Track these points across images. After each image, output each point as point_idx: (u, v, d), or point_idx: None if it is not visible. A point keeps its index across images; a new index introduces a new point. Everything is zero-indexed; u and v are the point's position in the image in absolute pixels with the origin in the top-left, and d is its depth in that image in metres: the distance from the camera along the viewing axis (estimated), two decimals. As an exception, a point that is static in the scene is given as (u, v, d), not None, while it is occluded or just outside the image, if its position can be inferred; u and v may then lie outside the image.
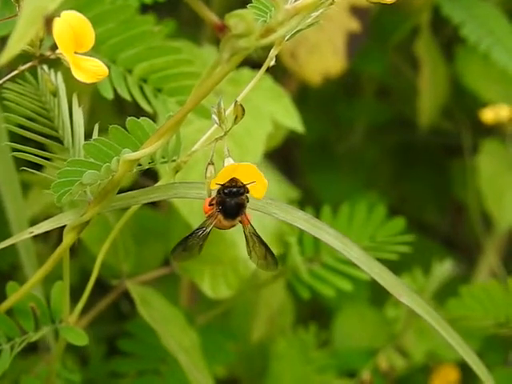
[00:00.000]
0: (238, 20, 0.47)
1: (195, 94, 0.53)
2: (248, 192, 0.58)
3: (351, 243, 0.63)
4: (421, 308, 0.65)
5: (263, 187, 0.58)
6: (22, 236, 0.64)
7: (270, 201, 0.62)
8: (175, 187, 0.62)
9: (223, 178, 0.57)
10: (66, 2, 0.65)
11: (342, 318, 1.17)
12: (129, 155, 0.56)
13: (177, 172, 0.62)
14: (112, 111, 1.12)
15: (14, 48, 0.43)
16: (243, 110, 0.58)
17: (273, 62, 0.60)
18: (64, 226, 0.64)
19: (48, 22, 0.43)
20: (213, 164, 0.59)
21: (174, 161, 0.61)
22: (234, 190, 0.58)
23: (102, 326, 1.10)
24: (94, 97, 0.93)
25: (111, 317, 1.16)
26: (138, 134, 0.58)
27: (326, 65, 1.14)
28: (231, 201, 0.58)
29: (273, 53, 0.60)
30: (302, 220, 0.62)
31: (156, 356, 0.94)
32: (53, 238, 1.08)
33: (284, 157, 1.29)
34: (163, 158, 0.61)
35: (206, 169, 0.59)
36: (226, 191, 0.58)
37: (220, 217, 0.59)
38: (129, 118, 0.58)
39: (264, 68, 0.61)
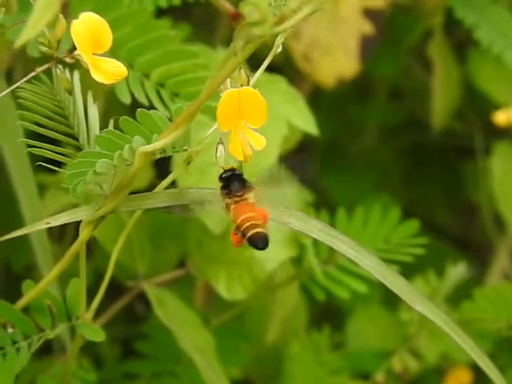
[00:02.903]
0: (252, 8, 0.47)
1: (210, 84, 0.54)
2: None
3: (365, 252, 0.63)
4: (435, 315, 0.65)
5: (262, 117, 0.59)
6: (38, 226, 0.64)
7: (284, 209, 0.63)
8: (191, 193, 0.63)
9: (225, 107, 0.56)
10: (84, 5, 0.66)
11: (356, 320, 1.17)
12: (145, 147, 0.57)
13: (189, 163, 0.62)
14: (126, 113, 1.12)
15: (30, 32, 0.44)
16: (248, 77, 0.58)
17: (279, 49, 0.61)
18: (78, 227, 0.64)
19: (64, 7, 0.43)
20: (222, 143, 0.59)
21: (185, 150, 0.61)
22: (227, 171, 0.59)
23: (117, 327, 1.11)
24: (108, 99, 0.94)
25: (125, 318, 1.17)
26: (148, 125, 0.58)
27: (339, 67, 1.14)
28: (230, 179, 0.59)
29: (279, 40, 0.61)
30: (317, 229, 0.62)
31: (171, 357, 0.94)
32: (68, 238, 1.09)
33: (297, 158, 1.29)
34: (174, 148, 0.61)
35: (216, 148, 0.60)
36: (222, 176, 0.59)
37: (231, 202, 0.59)
38: (139, 109, 0.58)
39: (271, 55, 0.61)
